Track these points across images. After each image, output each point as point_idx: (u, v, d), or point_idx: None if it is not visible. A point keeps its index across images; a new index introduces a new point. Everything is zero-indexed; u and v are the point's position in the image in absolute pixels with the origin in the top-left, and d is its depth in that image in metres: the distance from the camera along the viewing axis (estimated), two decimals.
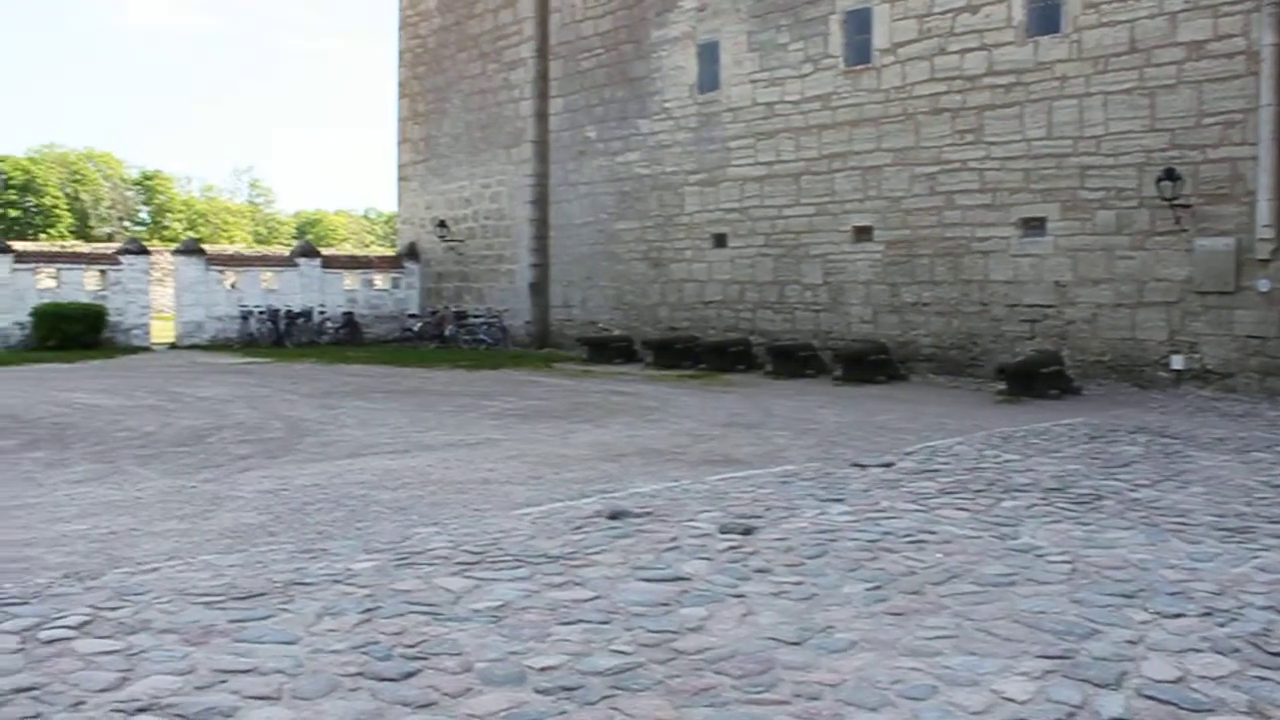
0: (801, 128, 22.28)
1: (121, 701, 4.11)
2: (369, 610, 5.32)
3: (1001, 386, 16.95)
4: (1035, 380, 16.77)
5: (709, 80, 24.42)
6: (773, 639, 4.93)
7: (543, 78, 29.41)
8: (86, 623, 5.06)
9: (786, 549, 6.63)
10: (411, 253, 34.65)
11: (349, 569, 6.13)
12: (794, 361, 20.97)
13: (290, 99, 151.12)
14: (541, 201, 29.53)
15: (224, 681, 4.34)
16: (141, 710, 4.04)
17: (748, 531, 7.07)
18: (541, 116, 29.41)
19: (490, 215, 31.21)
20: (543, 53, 29.41)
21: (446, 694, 4.26)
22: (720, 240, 24.33)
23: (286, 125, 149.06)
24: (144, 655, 4.63)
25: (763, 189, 23.18)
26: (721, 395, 17.41)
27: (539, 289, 29.72)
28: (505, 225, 30.66)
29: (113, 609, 5.31)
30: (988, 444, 11.41)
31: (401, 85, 35.04)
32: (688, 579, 5.96)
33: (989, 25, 18.97)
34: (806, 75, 22.13)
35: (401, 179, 35.33)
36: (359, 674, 4.45)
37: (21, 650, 4.65)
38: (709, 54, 24.42)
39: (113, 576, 6.02)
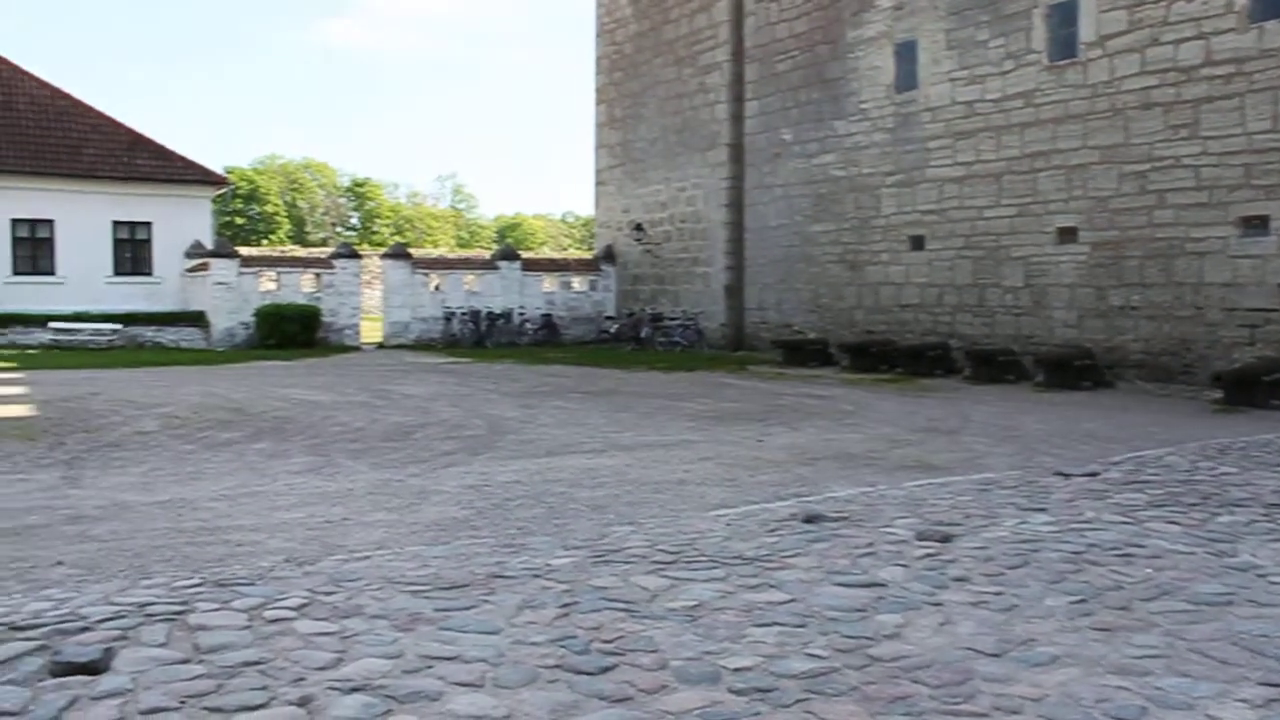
0: (1002, 126, 21.66)
1: (337, 680, 4.31)
2: (567, 605, 5.43)
3: (1217, 395, 16.09)
4: (1256, 389, 15.85)
5: (906, 80, 24.00)
6: (971, 649, 4.82)
7: (738, 81, 29.45)
8: (305, 605, 5.32)
9: (986, 558, 6.46)
10: (608, 255, 35.19)
11: (548, 564, 6.27)
12: (993, 366, 20.40)
13: (492, 108, 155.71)
14: (736, 204, 29.57)
15: (430, 667, 4.50)
16: (355, 689, 4.23)
17: (946, 539, 6.92)
18: (736, 119, 29.46)
19: (686, 218, 31.44)
20: (738, 56, 29.45)
21: (642, 690, 4.31)
22: (918, 242, 23.87)
23: (488, 133, 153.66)
24: (357, 638, 4.84)
25: (962, 190, 22.63)
26: (918, 400, 17.08)
27: (734, 291, 29.76)
28: (701, 228, 30.83)
29: (328, 593, 5.57)
30: (1202, 455, 10.84)
31: (599, 91, 35.65)
32: (883, 585, 5.87)
33: (1207, 12, 18.02)
34: (1008, 72, 21.50)
35: (599, 183, 35.93)
36: (557, 666, 4.54)
37: (249, 627, 4.93)
38: (906, 53, 24.00)
39: (328, 563, 6.32)
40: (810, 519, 7.53)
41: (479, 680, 4.37)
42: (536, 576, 5.98)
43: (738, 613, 5.32)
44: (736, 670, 4.51)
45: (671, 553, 6.56)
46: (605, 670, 4.49)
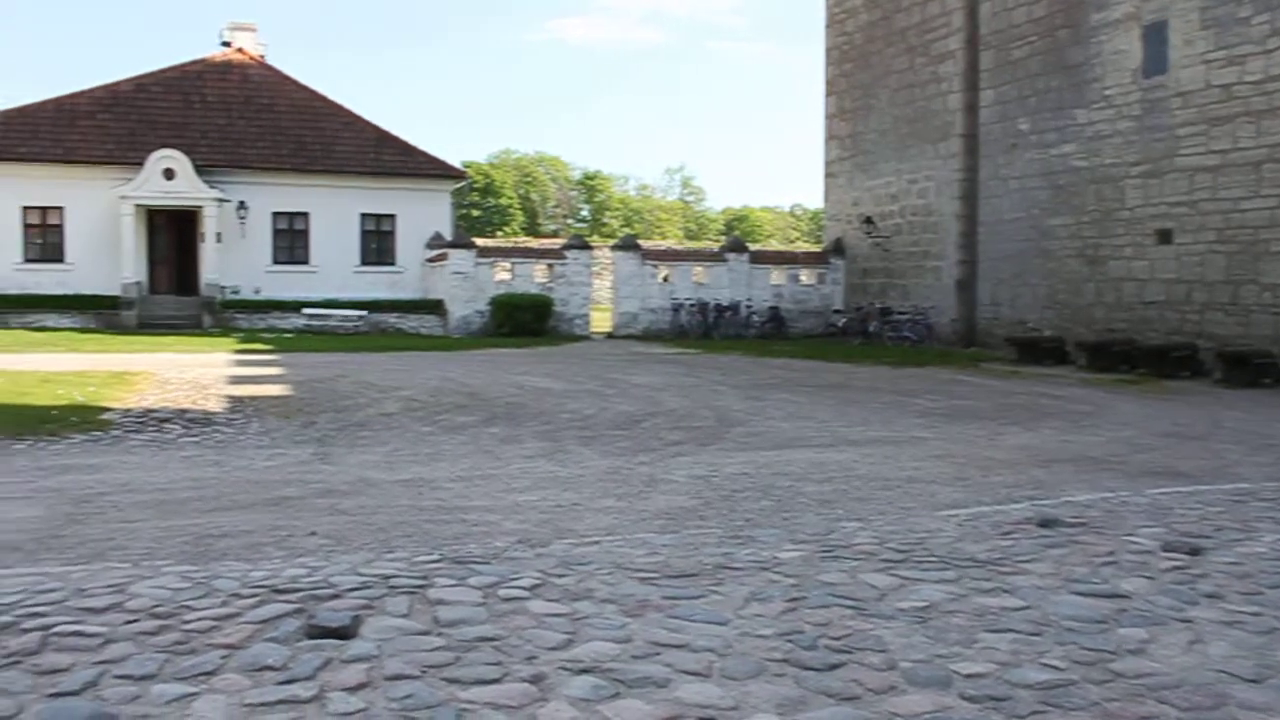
0: (1264, 110, 20.20)
1: (568, 660, 4.40)
2: (795, 599, 5.38)
3: None
4: None
5: (1155, 63, 22.68)
6: (1225, 672, 4.51)
7: (972, 69, 28.55)
8: (537, 586, 5.46)
9: (1241, 575, 6.04)
10: (837, 249, 34.77)
11: (775, 557, 6.24)
12: (1248, 369, 19.09)
13: (722, 101, 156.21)
14: (970, 197, 28.69)
15: (658, 654, 4.54)
16: (585, 671, 4.31)
17: (1195, 552, 6.51)
18: (970, 109, 28.57)
19: (917, 211, 30.74)
20: (972, 43, 28.53)
21: (870, 689, 4.23)
22: (1165, 236, 22.57)
23: (718, 126, 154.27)
24: (586, 621, 4.93)
25: (1215, 180, 21.25)
26: (1163, 402, 16.17)
27: (965, 286, 28.91)
28: (932, 221, 30.08)
29: (559, 576, 5.70)
30: None
31: (829, 83, 35.23)
32: (1126, 597, 5.57)
33: None
34: (1273, 51, 20.01)
35: (828, 175, 35.53)
36: (785, 660, 4.51)
37: (484, 604, 5.09)
38: (1155, 35, 22.68)
39: (559, 546, 6.47)
40: (1046, 523, 7.23)
41: (706, 670, 4.38)
42: (764, 569, 5.95)
43: (969, 617, 5.16)
44: (969, 676, 4.37)
45: (901, 551, 6.42)
46: (833, 667, 4.43)
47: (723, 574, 5.83)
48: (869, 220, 32.57)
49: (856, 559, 6.23)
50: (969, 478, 9.60)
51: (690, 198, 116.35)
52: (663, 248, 51.14)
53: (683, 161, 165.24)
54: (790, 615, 5.11)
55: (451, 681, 4.12)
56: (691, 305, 33.14)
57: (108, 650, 4.44)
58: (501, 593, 5.27)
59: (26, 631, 4.67)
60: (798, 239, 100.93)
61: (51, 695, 3.98)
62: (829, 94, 35.28)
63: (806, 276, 35.12)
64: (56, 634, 4.63)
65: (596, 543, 6.57)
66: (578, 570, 5.81)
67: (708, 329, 32.72)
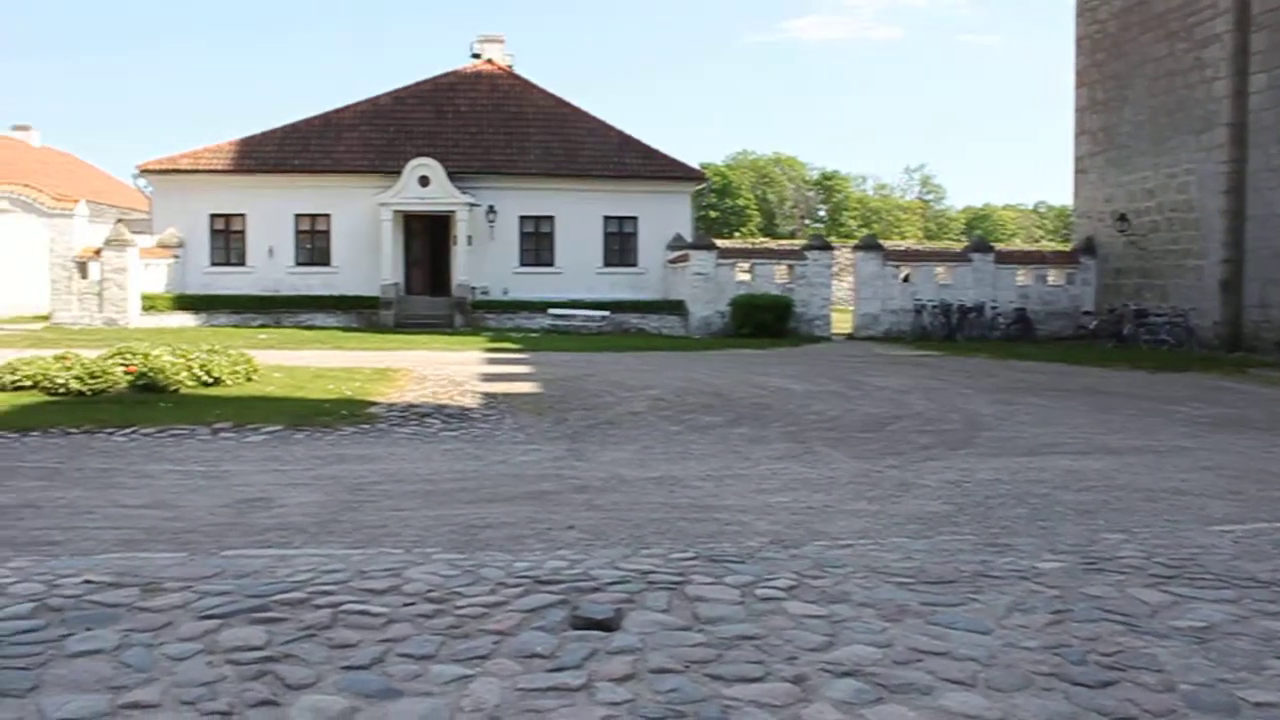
0: None
1: (828, 663, 4.40)
2: (1060, 612, 5.20)
3: None
4: None
5: None
6: None
7: (1241, 53, 26.69)
8: (793, 587, 5.46)
9: None
10: (1088, 248, 33.26)
11: (1035, 567, 6.04)
12: None
13: (962, 96, 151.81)
14: (1236, 190, 26.87)
15: (920, 660, 4.47)
16: (846, 674, 4.29)
17: None
18: (1238, 96, 26.72)
19: (1176, 207, 29.03)
20: (1242, 25, 26.66)
21: (1148, 710, 4.04)
22: None
23: (958, 122, 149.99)
24: (845, 624, 4.90)
25: None
26: None
27: (1230, 286, 27.10)
28: (1193, 218, 28.35)
29: (814, 578, 5.68)
30: None
31: (1079, 74, 33.70)
32: None
33: None
34: None
35: (1078, 171, 34.02)
36: (1053, 674, 4.37)
37: (742, 603, 5.14)
38: None
39: (812, 548, 6.46)
40: None
41: (970, 679, 4.29)
42: (1024, 579, 5.78)
43: (1254, 640, 4.86)
44: (1259, 705, 4.12)
45: (1172, 567, 6.10)
46: (1105, 685, 4.26)
47: (981, 582, 5.69)
48: (1123, 217, 30.98)
49: (1123, 573, 5.96)
50: (1243, 492, 9.03)
51: (929, 196, 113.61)
52: (903, 248, 50.25)
53: (922, 159, 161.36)
54: (1056, 628, 4.94)
55: (715, 678, 4.18)
56: (934, 307, 32.39)
57: (390, 630, 4.72)
58: (759, 592, 5.30)
59: (318, 608, 5.02)
60: (1043, 238, 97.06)
61: (345, 668, 4.27)
62: (1079, 85, 33.74)
63: (1054, 277, 33.74)
64: (344, 611, 4.96)
65: (849, 546, 6.53)
66: (832, 573, 5.78)
67: (951, 331, 31.91)
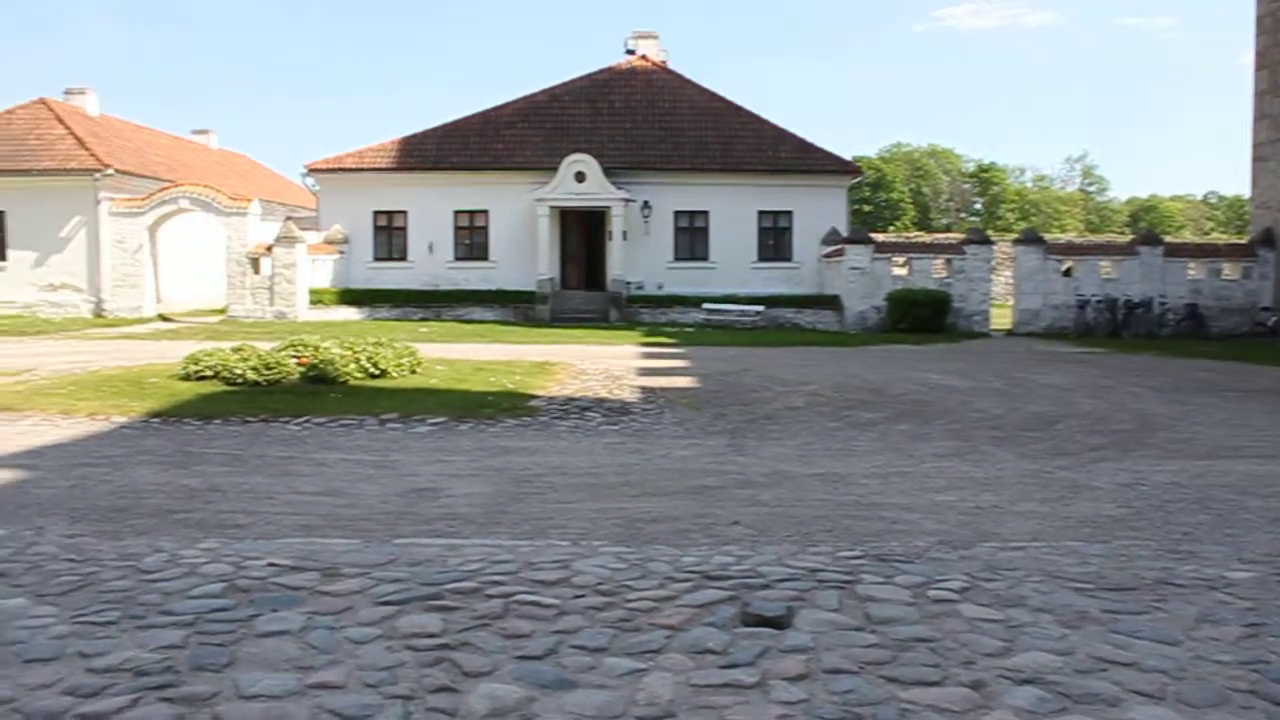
0: None
1: (1008, 669, 4.28)
2: (1254, 625, 4.96)
3: None
4: None
5: None
6: None
7: None
8: (966, 589, 5.34)
9: None
10: (1266, 239, 31.68)
11: (1223, 576, 5.78)
12: None
13: (1126, 84, 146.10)
14: None
15: (1104, 670, 4.32)
16: (1026, 681, 4.17)
17: None
18: None
19: None
20: None
21: None
22: None
23: (1121, 110, 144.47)
24: (1023, 629, 4.77)
25: None
26: None
27: None
28: None
29: (987, 580, 5.55)
30: None
31: (1259, 55, 32.07)
32: None
33: None
34: None
35: (1256, 159, 32.40)
36: (1250, 691, 4.16)
37: (914, 604, 5.05)
38: None
39: (983, 549, 6.31)
40: None
41: (1159, 692, 4.13)
42: (1212, 589, 5.53)
43: None
44: None
45: None
46: None
47: (1165, 590, 5.48)
48: None
49: None
50: None
51: (1091, 188, 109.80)
52: (1064, 241, 48.69)
53: (1084, 149, 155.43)
54: (1250, 641, 4.72)
55: (890, 680, 4.12)
56: (1099, 302, 31.30)
57: (562, 621, 4.78)
58: (931, 593, 5.21)
59: (490, 598, 5.13)
60: (1213, 230, 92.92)
61: (519, 658, 4.35)
62: (1259, 68, 32.08)
63: (1229, 271, 32.21)
64: (516, 602, 5.06)
65: (1021, 548, 6.35)
66: (1006, 575, 5.64)
67: (1116, 327, 30.79)
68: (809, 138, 37.39)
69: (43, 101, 36.76)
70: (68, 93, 38.69)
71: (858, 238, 33.24)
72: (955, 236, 46.23)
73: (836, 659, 4.31)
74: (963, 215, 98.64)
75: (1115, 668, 4.35)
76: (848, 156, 41.46)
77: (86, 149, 33.94)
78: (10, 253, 34.00)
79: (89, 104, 38.79)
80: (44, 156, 33.85)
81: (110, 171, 33.23)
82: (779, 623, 4.74)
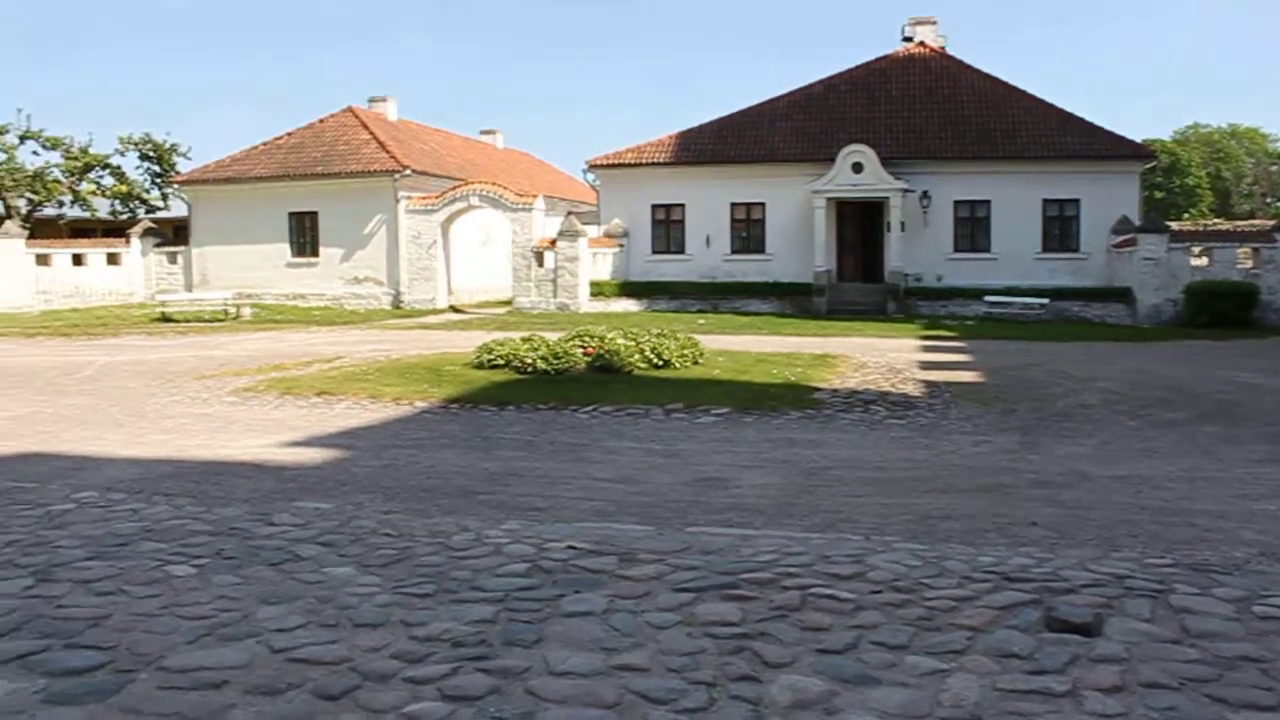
0: None
1: None
2: None
3: None
4: None
5: None
6: None
7: None
8: None
9: None
10: None
11: None
12: None
13: None
14: None
15: None
16: None
17: None
18: None
19: None
20: None
21: None
22: None
23: None
24: None
25: None
26: None
27: None
28: None
29: None
30: None
31: None
32: None
33: None
34: None
35: None
36: None
37: (1237, 620, 4.75)
38: None
39: None
40: None
41: None
42: None
43: None
44: None
45: None
46: None
47: None
48: None
49: None
50: None
51: None
52: None
53: None
54: None
55: (1216, 700, 3.90)
56: None
57: (859, 616, 4.78)
58: (1256, 609, 4.89)
59: (786, 589, 5.17)
60: None
61: (818, 651, 4.37)
62: None
63: None
64: (813, 595, 5.08)
65: None
66: None
67: None
68: (1098, 121, 35.56)
69: (350, 110, 39.57)
70: (371, 100, 41.47)
71: (1152, 226, 31.32)
72: (1262, 223, 42.82)
73: (1153, 672, 4.12)
74: (1269, 200, 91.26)
75: None
76: (1138, 139, 39.04)
77: (387, 152, 36.24)
78: (322, 250, 36.77)
79: (389, 110, 41.42)
80: (351, 160, 36.40)
81: (408, 172, 35.33)
82: (1088, 630, 4.57)
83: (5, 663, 4.28)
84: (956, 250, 34.65)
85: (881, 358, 18.71)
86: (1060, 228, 34.59)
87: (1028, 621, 4.69)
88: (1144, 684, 4.01)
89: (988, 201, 34.66)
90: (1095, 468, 9.11)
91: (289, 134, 38.90)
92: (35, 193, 44.34)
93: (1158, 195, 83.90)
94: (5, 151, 43.87)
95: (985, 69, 38.21)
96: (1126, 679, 4.05)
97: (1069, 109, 36.11)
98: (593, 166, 37.38)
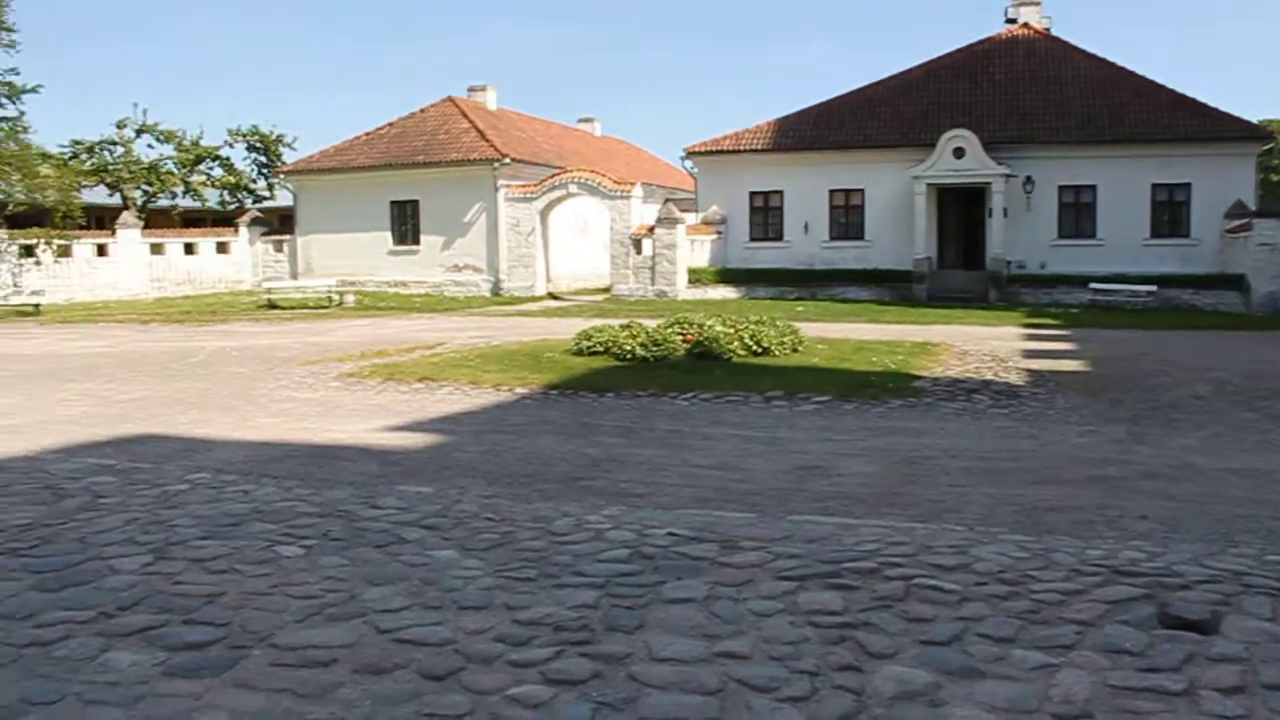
0: None
1: None
2: None
3: None
4: None
5: None
6: None
7: None
8: None
9: None
10: None
11: None
12: None
13: None
14: None
15: None
16: None
17: None
18: None
19: None
20: None
21: None
22: None
23: None
24: None
25: None
26: None
27: None
28: None
29: None
30: None
31: None
32: None
33: None
34: None
35: None
36: None
37: None
38: None
39: None
40: None
41: None
42: None
43: None
44: None
45: None
46: None
47: None
48: None
49: None
50: None
51: None
52: None
53: None
54: None
55: None
56: None
57: (965, 608, 4.71)
58: None
59: (890, 579, 5.12)
60: None
61: (923, 642, 4.31)
62: None
63: None
64: (916, 585, 5.02)
65: None
66: None
67: None
68: (1213, 101, 34.39)
69: (450, 99, 40.09)
70: (470, 90, 41.95)
71: (1269, 210, 30.27)
72: None
73: (1276, 674, 3.98)
74: None
75: None
76: (1254, 120, 37.64)
77: (487, 140, 36.61)
78: (423, 238, 37.32)
79: (489, 99, 41.84)
80: (451, 149, 36.86)
81: (507, 160, 35.65)
82: (1204, 627, 4.44)
83: (127, 635, 4.45)
84: (1060, 236, 33.86)
85: (983, 346, 18.38)
86: (1170, 213, 33.59)
87: (1140, 617, 4.58)
88: (1266, 685, 3.88)
89: (1093, 186, 33.79)
90: (1208, 460, 8.84)
91: (390, 124, 39.57)
92: (150, 184, 45.82)
93: (1275, 178, 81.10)
94: (123, 145, 45.39)
95: (1094, 50, 37.22)
96: (1247, 680, 3.93)
97: (1182, 90, 35.05)
98: (690, 154, 37.29)
